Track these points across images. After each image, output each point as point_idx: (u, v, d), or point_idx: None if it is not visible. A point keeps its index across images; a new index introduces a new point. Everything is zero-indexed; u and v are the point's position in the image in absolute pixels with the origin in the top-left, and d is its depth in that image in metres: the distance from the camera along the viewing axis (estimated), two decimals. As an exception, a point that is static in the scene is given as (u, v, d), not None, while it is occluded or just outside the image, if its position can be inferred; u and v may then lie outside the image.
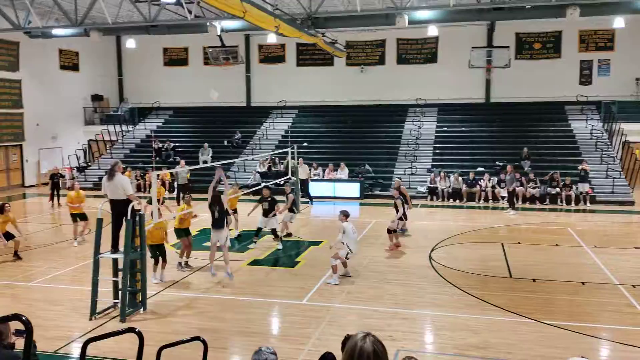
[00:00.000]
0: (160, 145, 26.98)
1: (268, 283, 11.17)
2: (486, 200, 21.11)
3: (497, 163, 22.81)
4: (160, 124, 30.65)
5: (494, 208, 20.28)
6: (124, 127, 30.28)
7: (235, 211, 15.40)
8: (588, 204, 20.22)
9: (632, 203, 20.32)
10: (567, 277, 11.38)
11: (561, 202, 20.40)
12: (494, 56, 24.25)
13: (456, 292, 10.46)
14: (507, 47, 24.96)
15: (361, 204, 21.37)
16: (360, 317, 9.12)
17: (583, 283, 10.92)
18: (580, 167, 20.97)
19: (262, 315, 9.35)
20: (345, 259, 11.17)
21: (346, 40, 28.33)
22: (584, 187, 20.55)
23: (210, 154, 25.90)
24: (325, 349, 8.18)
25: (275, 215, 14.03)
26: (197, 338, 5.01)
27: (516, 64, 26.64)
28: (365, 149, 25.49)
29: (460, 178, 21.53)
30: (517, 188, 19.58)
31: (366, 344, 2.46)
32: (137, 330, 4.38)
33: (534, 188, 20.76)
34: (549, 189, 20.76)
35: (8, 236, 12.98)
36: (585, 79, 27.27)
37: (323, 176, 23.07)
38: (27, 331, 2.81)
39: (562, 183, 20.62)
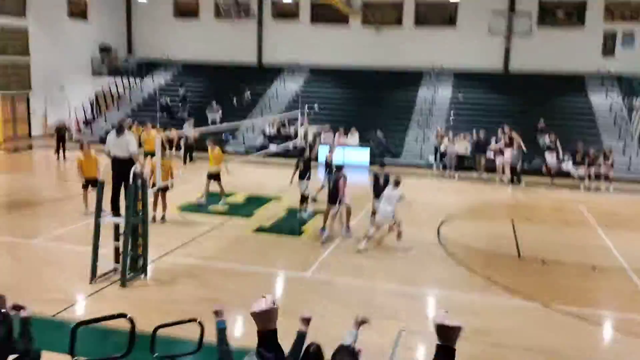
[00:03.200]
0: (169, 99, 26.57)
1: (272, 252, 10.99)
2: (492, 171, 19.88)
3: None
4: (168, 79, 30.13)
5: (502, 181, 19.43)
6: (132, 81, 29.79)
7: (215, 177, 14.03)
8: (610, 187, 18.39)
9: (647, 182, 19.86)
10: (577, 259, 11.12)
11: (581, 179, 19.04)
12: (515, 23, 23.35)
13: (463, 271, 10.25)
14: (529, 12, 23.95)
15: (371, 171, 21.02)
16: (364, 294, 8.93)
17: (594, 267, 10.65)
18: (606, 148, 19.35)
19: (265, 287, 9.16)
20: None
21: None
22: (607, 169, 18.81)
23: (220, 112, 25.50)
24: (327, 327, 8.02)
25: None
26: (193, 320, 4.85)
27: (537, 33, 25.69)
28: (377, 115, 24.95)
29: (467, 141, 20.59)
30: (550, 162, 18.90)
31: None
32: (128, 317, 4.22)
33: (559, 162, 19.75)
34: (571, 165, 19.41)
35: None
36: (608, 51, 26.29)
37: (333, 141, 22.62)
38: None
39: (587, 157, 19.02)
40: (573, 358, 7.16)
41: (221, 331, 4.09)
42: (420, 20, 28.15)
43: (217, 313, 4.19)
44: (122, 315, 4.22)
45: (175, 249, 10.86)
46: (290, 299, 8.72)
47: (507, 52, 27.01)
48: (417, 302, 8.81)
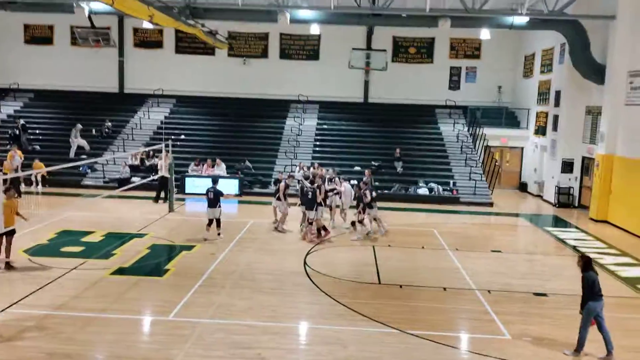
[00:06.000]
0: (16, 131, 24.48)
1: (133, 296, 10.45)
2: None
3: (373, 163, 23.51)
4: (18, 108, 27.74)
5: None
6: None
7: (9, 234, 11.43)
8: (353, 236, 15.49)
9: (491, 204, 22.00)
10: (430, 282, 11.92)
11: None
12: (372, 58, 24.90)
13: (328, 300, 10.53)
14: (385, 50, 25.77)
15: (240, 202, 20.96)
16: (228, 334, 8.80)
17: (444, 289, 11.51)
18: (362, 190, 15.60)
19: (123, 335, 8.68)
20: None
21: (228, 30, 27.57)
22: (372, 213, 15.65)
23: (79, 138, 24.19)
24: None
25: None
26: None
27: (392, 67, 27.57)
28: (245, 144, 25.06)
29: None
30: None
31: None
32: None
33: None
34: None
35: None
36: (454, 84, 29.04)
37: (202, 172, 22.27)
38: None
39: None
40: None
41: None
42: (285, 52, 28.98)
43: None
44: None
45: (22, 299, 9.93)
46: (150, 347, 8.35)
47: (367, 84, 28.74)
48: (282, 338, 8.85)
